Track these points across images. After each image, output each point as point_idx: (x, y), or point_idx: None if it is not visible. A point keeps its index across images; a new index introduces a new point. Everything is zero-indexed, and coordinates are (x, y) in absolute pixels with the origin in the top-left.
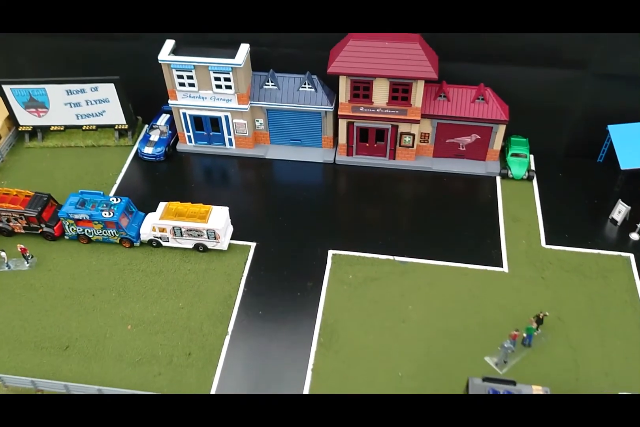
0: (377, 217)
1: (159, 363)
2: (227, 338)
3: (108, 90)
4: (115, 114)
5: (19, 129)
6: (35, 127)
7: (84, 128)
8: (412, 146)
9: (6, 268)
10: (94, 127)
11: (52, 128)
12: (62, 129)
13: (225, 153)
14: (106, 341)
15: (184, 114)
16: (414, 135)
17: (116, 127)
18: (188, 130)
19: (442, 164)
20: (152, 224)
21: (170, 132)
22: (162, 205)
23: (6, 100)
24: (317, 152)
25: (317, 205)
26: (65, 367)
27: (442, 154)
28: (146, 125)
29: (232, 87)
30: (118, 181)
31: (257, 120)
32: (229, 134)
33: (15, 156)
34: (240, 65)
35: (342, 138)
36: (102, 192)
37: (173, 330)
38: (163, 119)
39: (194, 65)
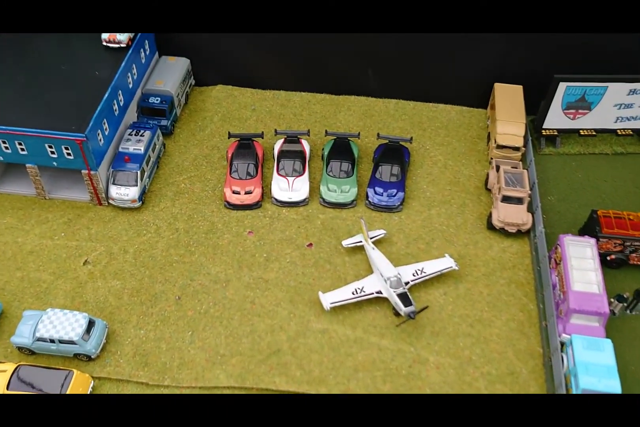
0: None
1: None
2: None
3: None
4: None
5: (542, 133)
6: (560, 131)
7: (618, 132)
8: None
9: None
10: (629, 132)
11: (581, 132)
12: (592, 133)
13: None
14: None
15: None
16: None
17: None
18: None
19: None
20: None
21: None
22: None
23: (549, 100)
24: None
25: None
26: None
27: None
28: None
29: None
30: None
31: None
32: None
33: (536, 165)
34: None
35: None
36: None
37: None
38: None
39: None
